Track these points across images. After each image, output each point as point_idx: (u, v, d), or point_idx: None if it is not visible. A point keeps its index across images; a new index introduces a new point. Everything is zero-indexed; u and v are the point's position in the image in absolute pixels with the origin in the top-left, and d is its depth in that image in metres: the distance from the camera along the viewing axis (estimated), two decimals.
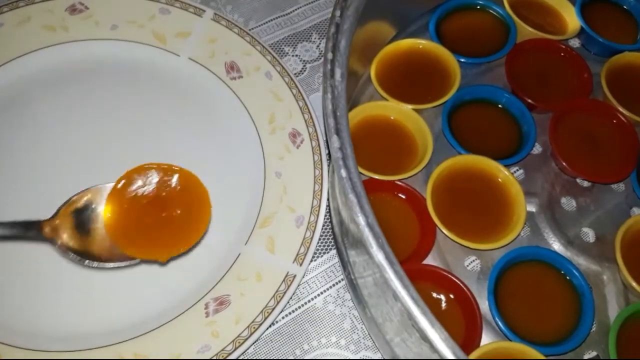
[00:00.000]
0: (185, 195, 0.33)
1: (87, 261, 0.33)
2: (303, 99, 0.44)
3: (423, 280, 0.35)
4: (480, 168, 0.39)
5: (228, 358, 0.35)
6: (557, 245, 0.40)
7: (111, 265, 0.33)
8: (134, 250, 0.33)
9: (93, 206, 0.33)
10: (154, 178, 0.33)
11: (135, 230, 0.33)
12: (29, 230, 0.32)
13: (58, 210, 0.33)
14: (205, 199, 0.34)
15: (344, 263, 0.37)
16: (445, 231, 0.36)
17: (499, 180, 0.39)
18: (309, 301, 0.40)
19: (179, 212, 0.33)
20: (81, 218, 0.33)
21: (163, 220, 0.33)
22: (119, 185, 0.33)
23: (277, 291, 0.37)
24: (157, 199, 0.33)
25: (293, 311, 0.39)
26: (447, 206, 0.38)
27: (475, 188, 0.39)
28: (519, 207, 0.38)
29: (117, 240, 0.33)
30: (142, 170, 0.33)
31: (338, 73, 0.32)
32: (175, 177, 0.34)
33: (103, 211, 0.33)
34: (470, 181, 0.39)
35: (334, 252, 0.42)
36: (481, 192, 0.39)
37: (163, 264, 0.34)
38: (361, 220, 0.28)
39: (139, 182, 0.33)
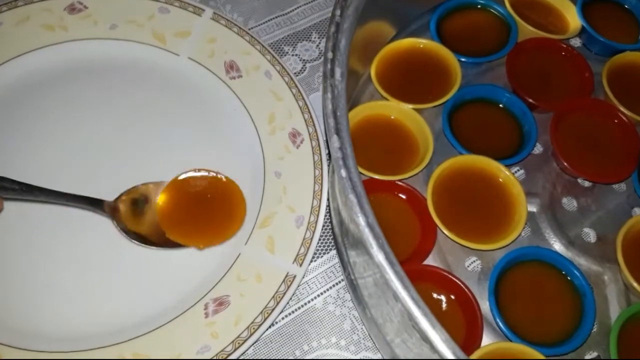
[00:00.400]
0: (226, 200, 0.39)
1: (135, 241, 0.38)
2: (303, 98, 0.44)
3: (423, 280, 0.35)
4: (481, 168, 0.39)
5: (228, 359, 0.35)
6: (558, 246, 0.40)
7: (155, 248, 0.38)
8: (177, 236, 0.38)
9: (149, 197, 0.39)
10: (204, 181, 0.40)
11: (182, 220, 0.39)
12: (93, 206, 0.38)
13: (120, 195, 0.39)
14: (241, 206, 0.39)
15: (344, 263, 0.37)
16: (445, 231, 0.36)
17: (500, 180, 0.39)
18: (309, 302, 0.40)
19: (219, 212, 0.39)
20: (137, 205, 0.39)
21: (205, 216, 0.39)
22: (175, 181, 0.39)
23: (277, 292, 0.37)
24: (204, 199, 0.39)
25: (293, 312, 0.39)
26: (448, 206, 0.37)
27: (476, 188, 0.39)
28: (520, 207, 0.38)
29: (166, 226, 0.38)
30: (196, 173, 0.40)
31: (338, 72, 0.32)
32: (221, 184, 0.40)
33: (157, 201, 0.39)
34: (471, 181, 0.39)
35: (334, 252, 0.41)
36: (482, 192, 0.39)
37: (200, 249, 0.39)
38: (361, 220, 0.28)
39: (192, 182, 0.39)
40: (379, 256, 0.27)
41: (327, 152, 0.43)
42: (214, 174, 0.40)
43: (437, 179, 0.38)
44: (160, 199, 0.39)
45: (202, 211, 0.39)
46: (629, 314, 0.35)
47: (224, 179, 0.40)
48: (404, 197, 0.39)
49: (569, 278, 0.36)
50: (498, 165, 0.39)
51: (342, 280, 0.40)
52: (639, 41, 0.47)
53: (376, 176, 0.38)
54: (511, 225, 0.37)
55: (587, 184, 0.42)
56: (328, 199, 0.41)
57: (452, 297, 0.35)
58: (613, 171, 0.41)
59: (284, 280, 0.37)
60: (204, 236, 0.39)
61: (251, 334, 0.35)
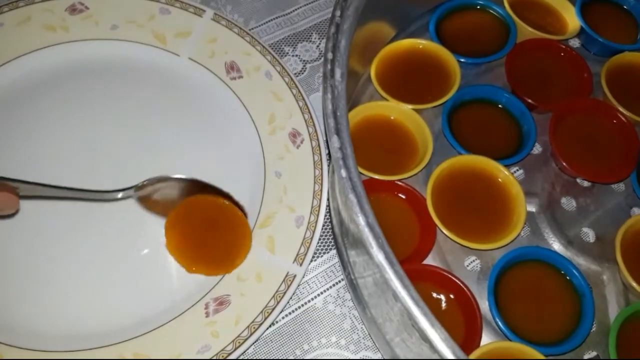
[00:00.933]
0: (231, 232, 0.39)
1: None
2: (303, 99, 0.44)
3: (423, 280, 0.35)
4: (481, 168, 0.39)
5: (228, 358, 0.35)
6: (557, 246, 0.40)
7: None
8: (174, 252, 0.38)
9: (160, 190, 0.39)
10: (214, 210, 0.39)
11: (186, 244, 0.38)
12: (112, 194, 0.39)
13: (142, 182, 0.39)
14: (246, 242, 0.39)
15: (344, 263, 0.37)
16: (445, 231, 0.36)
17: (499, 180, 0.39)
18: (309, 301, 0.40)
19: (221, 245, 0.39)
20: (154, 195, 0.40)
21: (206, 247, 0.38)
22: (185, 206, 0.39)
23: (277, 291, 0.37)
24: (210, 227, 0.39)
25: (293, 311, 0.39)
26: (447, 206, 0.38)
27: (476, 188, 0.39)
28: (519, 207, 0.38)
29: (170, 244, 0.38)
30: (207, 199, 0.39)
31: (338, 73, 0.32)
32: (230, 217, 0.39)
33: (167, 218, 0.39)
34: (470, 181, 0.39)
35: (334, 252, 0.42)
36: (481, 192, 0.39)
37: (188, 272, 0.39)
38: (361, 220, 0.28)
39: (202, 208, 0.39)
40: (379, 256, 0.27)
41: (327, 152, 0.43)
42: (227, 204, 0.39)
43: (436, 179, 0.38)
44: (169, 220, 0.39)
45: (204, 241, 0.39)
46: (628, 313, 0.35)
47: (236, 213, 0.39)
48: (403, 197, 0.39)
49: (568, 278, 0.37)
50: (497, 166, 0.39)
51: (342, 279, 0.41)
52: (638, 41, 0.47)
53: (376, 176, 0.38)
54: (510, 225, 0.37)
55: (586, 183, 0.42)
56: (328, 199, 0.41)
57: (452, 296, 0.36)
58: (612, 171, 0.41)
59: (284, 280, 0.37)
60: (197, 264, 0.38)
61: (251, 333, 0.36)
